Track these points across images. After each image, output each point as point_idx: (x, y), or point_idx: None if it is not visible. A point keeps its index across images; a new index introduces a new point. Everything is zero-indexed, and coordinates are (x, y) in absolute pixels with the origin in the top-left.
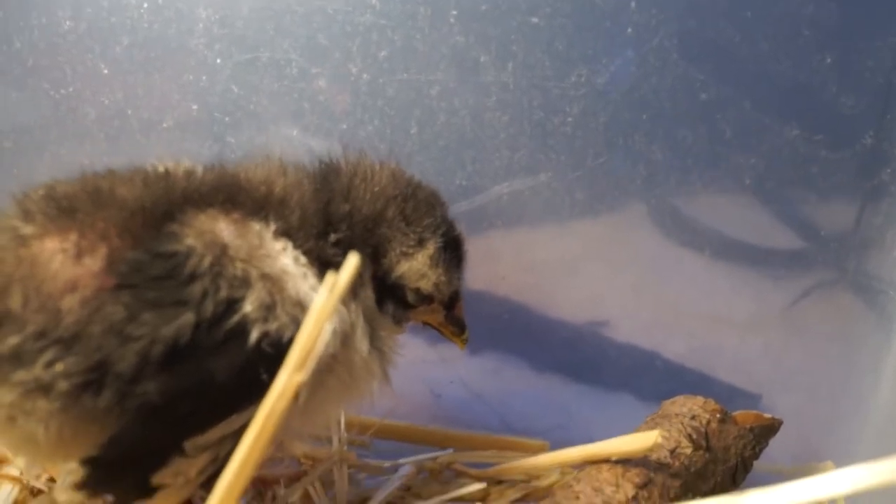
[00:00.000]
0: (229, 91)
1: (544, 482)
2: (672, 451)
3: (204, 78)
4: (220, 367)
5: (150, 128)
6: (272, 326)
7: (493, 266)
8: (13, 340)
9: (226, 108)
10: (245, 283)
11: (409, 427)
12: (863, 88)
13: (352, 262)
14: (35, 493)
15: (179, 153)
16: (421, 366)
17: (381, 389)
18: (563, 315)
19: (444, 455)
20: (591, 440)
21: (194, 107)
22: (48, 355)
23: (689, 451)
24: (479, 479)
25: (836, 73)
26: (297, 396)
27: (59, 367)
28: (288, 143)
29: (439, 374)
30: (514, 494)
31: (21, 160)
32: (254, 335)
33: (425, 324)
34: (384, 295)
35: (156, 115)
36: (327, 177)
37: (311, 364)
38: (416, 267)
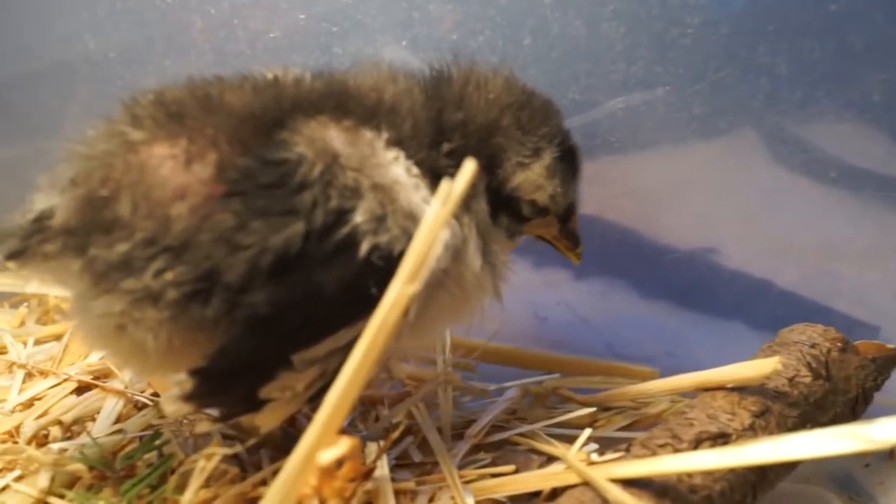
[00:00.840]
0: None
1: (653, 410)
2: (790, 380)
3: None
4: (329, 280)
5: (257, 38)
6: (383, 239)
7: (601, 188)
8: (122, 248)
9: (333, 17)
10: (356, 193)
11: (514, 350)
12: None
13: (468, 168)
14: (139, 406)
15: (286, 65)
16: (524, 289)
17: (492, 306)
18: (673, 240)
19: (551, 379)
20: (699, 368)
21: (301, 16)
22: (157, 263)
23: (808, 380)
24: (585, 404)
25: None
26: (407, 311)
27: (168, 275)
28: (396, 53)
29: (543, 297)
30: (621, 421)
31: (125, 72)
32: (364, 247)
33: (538, 237)
34: (498, 207)
35: (262, 24)
36: (439, 85)
37: (423, 275)
38: (532, 178)
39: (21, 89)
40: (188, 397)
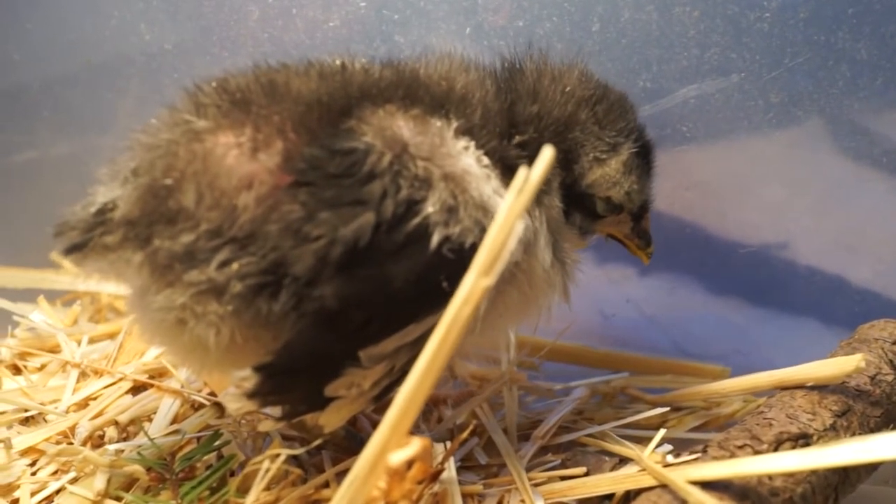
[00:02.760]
0: None
1: (726, 410)
2: (872, 378)
3: None
4: (399, 272)
5: (316, 27)
6: (454, 230)
7: (669, 180)
8: (186, 238)
9: (395, 5)
10: (426, 183)
11: (581, 349)
12: None
13: (546, 155)
14: (196, 407)
15: (353, 53)
16: (589, 286)
17: (559, 305)
18: (742, 235)
19: (619, 379)
20: (771, 367)
21: (362, 4)
22: (222, 255)
23: (890, 378)
24: (655, 404)
25: None
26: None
27: (234, 267)
28: (460, 42)
29: (608, 294)
30: (693, 422)
31: (181, 64)
32: (435, 239)
33: (609, 236)
34: (571, 204)
35: (321, 13)
36: (511, 77)
37: (499, 268)
38: (609, 174)
39: (75, 83)
40: (252, 394)
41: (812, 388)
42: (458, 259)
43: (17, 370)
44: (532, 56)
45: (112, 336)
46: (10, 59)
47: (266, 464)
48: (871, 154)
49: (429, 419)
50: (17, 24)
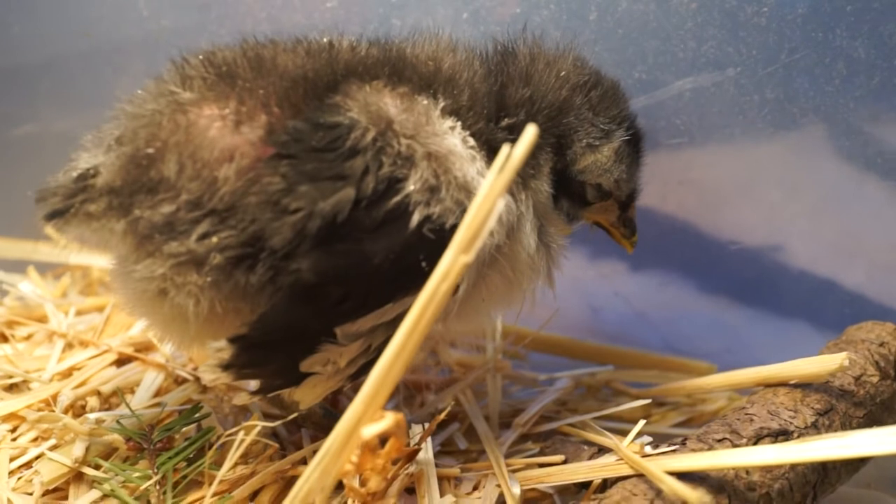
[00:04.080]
0: None
1: (710, 407)
2: (857, 379)
3: None
4: (377, 250)
5: (313, 7)
6: (435, 210)
7: (662, 175)
8: (166, 209)
9: None
10: (409, 161)
11: (567, 340)
12: None
13: (529, 133)
14: (179, 381)
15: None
16: (579, 280)
17: (545, 294)
18: (734, 233)
19: (604, 371)
20: (759, 366)
21: None
22: (202, 227)
23: (875, 379)
24: (639, 397)
25: None
26: (457, 288)
27: (214, 239)
28: (457, 27)
29: (598, 289)
30: (676, 417)
31: (179, 40)
32: (415, 218)
33: (595, 223)
34: (559, 190)
35: None
36: (504, 60)
37: (478, 245)
38: (600, 161)
39: (75, 59)
40: (227, 366)
41: (796, 385)
42: (439, 239)
43: (3, 338)
44: (525, 40)
45: (100, 309)
46: (10, 33)
47: (241, 435)
48: (866, 154)
49: (411, 404)
50: None
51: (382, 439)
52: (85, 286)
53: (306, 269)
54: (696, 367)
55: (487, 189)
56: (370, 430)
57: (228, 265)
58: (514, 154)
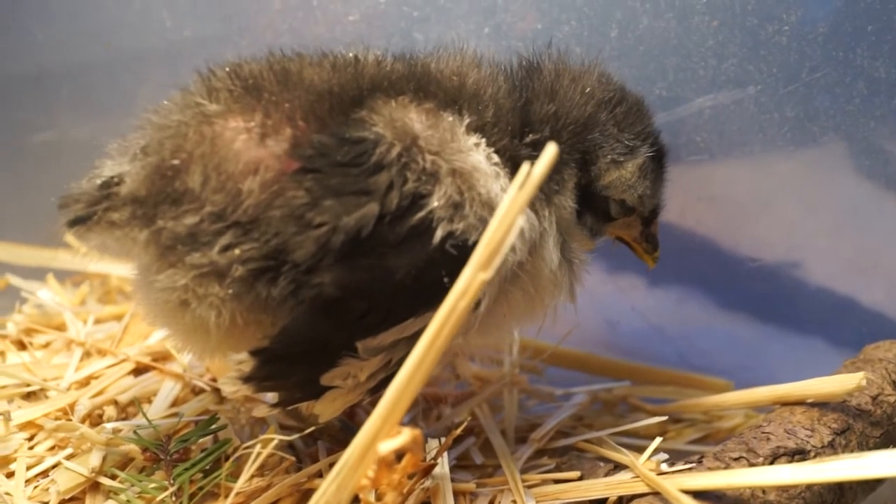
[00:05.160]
0: None
1: (727, 424)
2: (874, 398)
3: None
4: (400, 265)
5: (336, 21)
6: (458, 226)
7: (681, 191)
8: (190, 220)
9: (415, 2)
10: (433, 177)
11: (584, 355)
12: None
13: (549, 152)
14: (196, 391)
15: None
16: (597, 294)
17: (564, 309)
18: (753, 250)
19: (621, 387)
20: (777, 384)
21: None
22: (225, 238)
23: (892, 398)
24: (656, 414)
25: None
26: (478, 303)
27: (236, 251)
28: (478, 41)
29: (616, 303)
30: (693, 434)
31: (201, 51)
32: (438, 234)
33: (617, 238)
34: (583, 205)
35: (342, 7)
36: (528, 75)
37: (497, 262)
38: (625, 177)
39: (96, 67)
40: (248, 378)
41: (812, 404)
42: (461, 255)
43: (21, 346)
44: (550, 55)
45: (118, 318)
46: (33, 40)
47: (258, 448)
48: (886, 172)
49: (428, 417)
50: (41, 5)
51: (399, 454)
52: (103, 293)
53: (329, 283)
54: (712, 383)
55: (507, 207)
56: (387, 446)
57: (250, 277)
58: (535, 172)
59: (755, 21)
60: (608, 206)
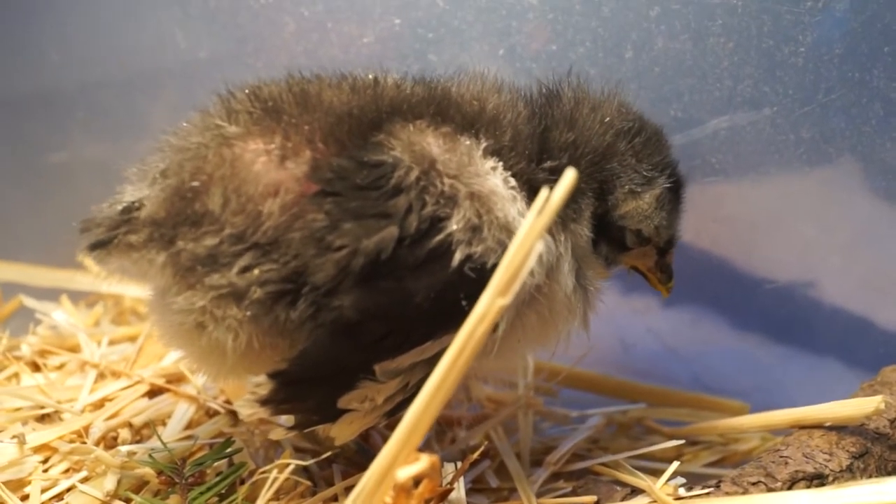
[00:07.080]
0: (434, 5)
1: (743, 447)
2: (892, 422)
3: None
4: (419, 288)
5: (350, 43)
6: (477, 249)
7: (696, 212)
8: (210, 241)
9: (429, 23)
10: (452, 200)
11: (599, 377)
12: None
13: (568, 177)
14: (211, 413)
15: (386, 69)
16: (611, 315)
17: (577, 333)
18: (768, 271)
19: (636, 409)
20: (792, 405)
21: (396, 21)
22: (245, 260)
23: None
24: (671, 436)
25: None
26: (495, 328)
27: (255, 272)
28: (493, 63)
29: (630, 324)
30: (709, 457)
31: (215, 72)
32: (457, 257)
33: (632, 268)
34: (599, 234)
35: (356, 29)
36: (548, 101)
37: (516, 288)
38: (642, 207)
39: (111, 87)
40: (265, 401)
41: (830, 428)
42: (479, 279)
43: (36, 367)
44: (570, 83)
45: (132, 339)
46: (48, 60)
47: (274, 473)
48: None
49: (442, 440)
50: (56, 25)
51: (416, 480)
52: (117, 314)
53: (348, 306)
54: (728, 405)
55: (526, 231)
56: (405, 473)
57: (269, 300)
58: (554, 197)
59: (771, 42)
60: (624, 236)
